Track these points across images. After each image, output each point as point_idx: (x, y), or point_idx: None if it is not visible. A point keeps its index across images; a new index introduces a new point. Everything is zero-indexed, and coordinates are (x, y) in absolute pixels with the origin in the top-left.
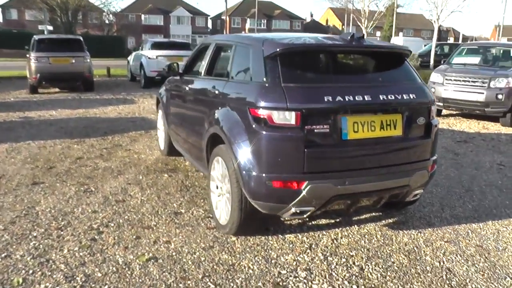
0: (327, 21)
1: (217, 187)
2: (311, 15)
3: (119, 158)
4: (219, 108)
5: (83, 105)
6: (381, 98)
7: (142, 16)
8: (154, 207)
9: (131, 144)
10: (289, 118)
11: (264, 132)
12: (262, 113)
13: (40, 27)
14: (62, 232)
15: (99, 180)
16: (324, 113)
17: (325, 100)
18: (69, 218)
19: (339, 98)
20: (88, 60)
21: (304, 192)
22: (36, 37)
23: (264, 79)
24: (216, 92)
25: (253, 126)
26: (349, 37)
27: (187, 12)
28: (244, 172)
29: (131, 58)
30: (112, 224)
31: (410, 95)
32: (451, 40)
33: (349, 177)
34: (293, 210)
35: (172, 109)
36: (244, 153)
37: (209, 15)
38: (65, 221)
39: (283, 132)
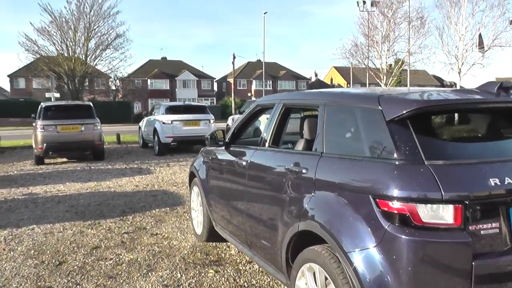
0: (331, 80)
1: None
2: (316, 75)
3: (145, 246)
4: (311, 193)
5: (94, 177)
6: None
7: (148, 80)
8: None
9: (157, 226)
10: (445, 214)
11: (405, 237)
12: (400, 207)
13: (47, 94)
14: None
15: (125, 281)
16: (493, 204)
17: (491, 184)
18: None
19: (508, 180)
20: (99, 127)
21: None
22: (43, 104)
23: (396, 155)
24: (303, 171)
25: (385, 226)
26: (495, 88)
27: (193, 76)
28: None
29: (143, 123)
30: None
31: None
32: None
33: None
34: None
35: (215, 186)
36: (369, 267)
37: (214, 78)
38: None
39: (437, 236)
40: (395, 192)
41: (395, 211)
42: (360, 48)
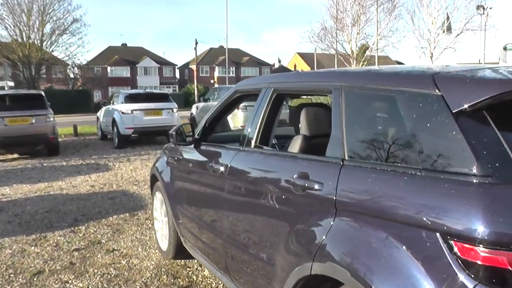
0: (295, 66)
1: None
2: (279, 61)
3: (99, 268)
4: (329, 220)
5: (46, 176)
6: None
7: (108, 68)
8: None
9: (114, 238)
10: None
11: None
12: (498, 256)
13: (0, 83)
14: None
15: None
16: None
17: None
18: None
19: None
20: (52, 119)
21: None
22: None
23: (477, 169)
24: (316, 186)
25: (468, 286)
26: None
27: (154, 63)
28: None
29: (101, 113)
30: None
31: None
32: None
33: None
34: None
35: (184, 195)
36: None
37: (176, 65)
38: None
39: None
40: (490, 233)
41: (487, 264)
42: (329, 32)
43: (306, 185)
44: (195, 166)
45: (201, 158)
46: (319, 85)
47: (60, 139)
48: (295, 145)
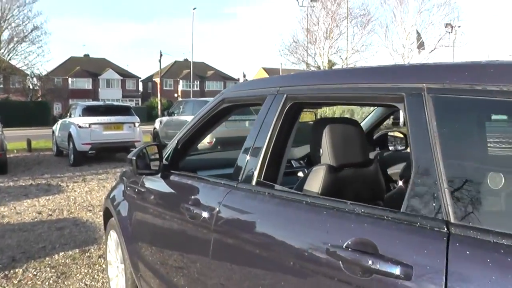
0: None
1: None
2: (244, 75)
3: None
4: None
5: None
6: None
7: (69, 79)
8: None
9: (57, 285)
10: None
11: None
12: None
13: None
14: None
15: None
16: None
17: None
18: None
19: None
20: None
21: None
22: None
23: None
24: (394, 272)
25: None
26: None
27: (117, 75)
28: None
29: (56, 127)
30: None
31: None
32: None
33: None
34: None
35: (146, 242)
36: None
37: (140, 77)
38: None
39: None
40: None
41: None
42: (300, 44)
43: (374, 266)
44: (163, 205)
45: (172, 194)
46: (375, 89)
47: (11, 155)
48: (316, 181)
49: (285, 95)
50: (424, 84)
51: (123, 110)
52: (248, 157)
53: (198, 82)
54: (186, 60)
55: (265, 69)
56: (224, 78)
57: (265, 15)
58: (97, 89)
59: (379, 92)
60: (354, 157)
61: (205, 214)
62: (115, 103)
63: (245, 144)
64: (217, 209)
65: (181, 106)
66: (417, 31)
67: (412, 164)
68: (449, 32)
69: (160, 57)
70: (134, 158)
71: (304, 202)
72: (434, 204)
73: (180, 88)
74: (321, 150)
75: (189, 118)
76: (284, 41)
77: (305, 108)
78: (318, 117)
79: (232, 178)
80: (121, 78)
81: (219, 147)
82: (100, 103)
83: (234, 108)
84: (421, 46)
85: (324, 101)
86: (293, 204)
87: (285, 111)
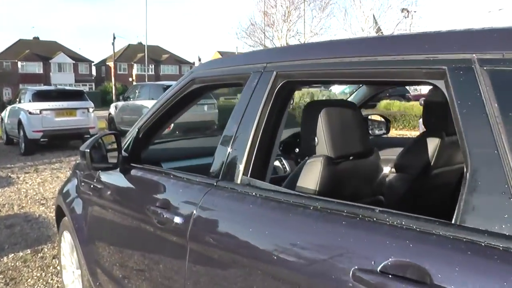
0: None
1: None
2: (199, 59)
3: None
4: None
5: None
6: None
7: (19, 63)
8: None
9: None
10: None
11: None
12: None
13: None
14: None
15: None
16: None
17: None
18: None
19: None
20: None
21: None
22: None
23: None
24: None
25: None
26: None
27: (69, 59)
28: None
29: (5, 114)
30: None
31: None
32: None
33: None
34: None
35: (106, 246)
36: None
37: (93, 61)
38: None
39: None
40: None
41: None
42: (259, 27)
43: None
44: (124, 205)
45: (135, 192)
46: (400, 63)
47: None
48: (312, 176)
49: (274, 73)
50: (474, 55)
51: (76, 95)
52: (229, 149)
53: (153, 66)
54: (140, 43)
55: (220, 53)
56: (180, 62)
57: None
58: (49, 74)
59: (407, 66)
60: (355, 146)
61: (177, 220)
62: (68, 88)
63: (225, 132)
64: (194, 214)
65: (136, 91)
66: (373, 15)
67: (467, 162)
68: (406, 17)
69: (114, 40)
70: (88, 150)
71: (311, 208)
72: (506, 216)
73: (134, 72)
74: (316, 139)
75: (145, 103)
76: (241, 24)
77: (300, 87)
78: None
79: (210, 175)
80: (74, 62)
81: (177, 132)
82: (52, 87)
83: (206, 90)
84: (378, 31)
85: (327, 79)
86: (297, 209)
87: (275, 91)
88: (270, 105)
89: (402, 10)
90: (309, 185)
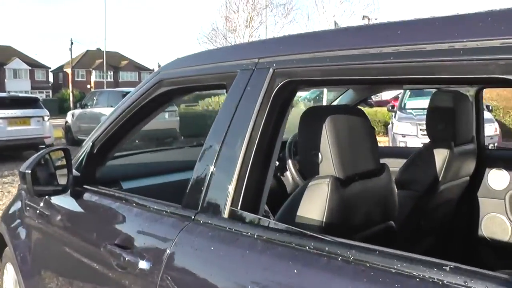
0: None
1: None
2: (159, 66)
3: None
4: None
5: None
6: None
7: None
8: None
9: None
10: None
11: None
12: None
13: None
14: None
15: None
16: None
17: None
18: None
19: None
20: None
21: None
22: None
23: None
24: None
25: None
26: None
27: (25, 65)
28: None
29: None
30: None
31: None
32: None
33: None
34: None
35: (54, 279)
36: None
37: (50, 68)
38: None
39: None
40: None
41: None
42: (220, 33)
43: None
44: (73, 238)
45: (88, 222)
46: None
47: None
48: (317, 202)
49: (270, 70)
50: None
51: (31, 102)
52: (211, 171)
53: (112, 73)
54: (98, 49)
55: None
56: (139, 68)
57: (181, 2)
58: (3, 80)
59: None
60: (366, 163)
61: (143, 265)
62: (21, 94)
63: (205, 148)
64: (165, 258)
65: (94, 98)
66: (335, 22)
67: None
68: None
69: (71, 46)
70: (29, 171)
71: (340, 258)
72: None
73: (93, 79)
74: (319, 155)
75: (103, 110)
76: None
77: (304, 88)
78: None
79: (185, 204)
80: (30, 68)
81: (137, 141)
82: (4, 94)
83: (176, 94)
84: None
85: (346, 77)
86: (319, 259)
87: (272, 94)
88: (266, 111)
89: (363, 17)
90: (314, 215)
